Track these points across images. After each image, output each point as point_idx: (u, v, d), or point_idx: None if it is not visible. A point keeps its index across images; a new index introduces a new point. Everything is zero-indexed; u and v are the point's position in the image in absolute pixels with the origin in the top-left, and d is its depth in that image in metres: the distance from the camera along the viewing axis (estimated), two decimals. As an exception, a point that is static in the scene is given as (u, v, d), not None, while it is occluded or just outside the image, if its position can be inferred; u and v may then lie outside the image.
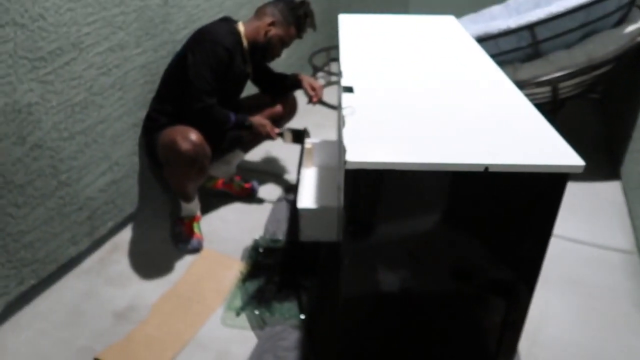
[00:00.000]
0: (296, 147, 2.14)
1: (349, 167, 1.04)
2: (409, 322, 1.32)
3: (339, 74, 1.66)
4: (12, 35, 1.44)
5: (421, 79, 1.48)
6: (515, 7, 2.86)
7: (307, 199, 1.94)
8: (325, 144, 2.21)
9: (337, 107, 3.08)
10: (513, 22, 2.30)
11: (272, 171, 2.53)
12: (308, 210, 1.83)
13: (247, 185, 2.31)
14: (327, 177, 2.13)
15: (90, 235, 1.91)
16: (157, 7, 1.98)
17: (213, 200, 2.27)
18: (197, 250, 1.99)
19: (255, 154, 2.55)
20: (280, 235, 2.06)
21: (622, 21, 2.36)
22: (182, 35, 2.14)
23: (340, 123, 1.29)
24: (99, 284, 1.83)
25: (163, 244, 2.04)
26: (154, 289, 1.80)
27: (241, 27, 2.01)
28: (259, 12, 2.06)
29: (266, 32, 2.01)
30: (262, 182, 2.42)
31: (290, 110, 2.33)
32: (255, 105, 2.22)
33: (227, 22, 2.01)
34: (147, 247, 2.02)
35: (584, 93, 2.45)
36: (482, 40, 2.31)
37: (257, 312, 1.69)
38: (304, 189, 2.01)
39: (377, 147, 1.09)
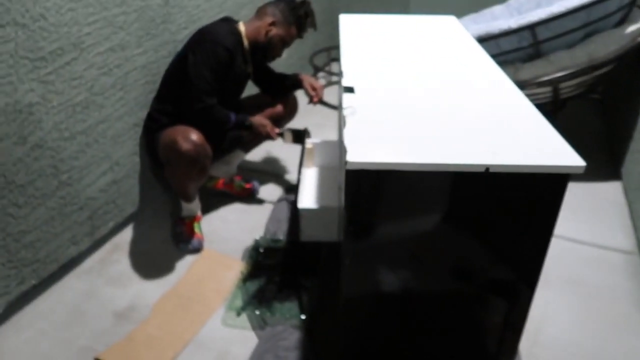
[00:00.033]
0: (297, 147, 2.13)
1: (349, 167, 1.04)
2: (410, 322, 1.32)
3: (339, 74, 1.66)
4: (13, 35, 1.44)
5: (422, 79, 1.48)
6: (517, 7, 2.86)
7: (307, 199, 1.94)
8: (326, 144, 2.21)
9: (337, 107, 3.08)
10: (514, 22, 2.30)
11: (272, 171, 2.54)
12: (309, 211, 1.83)
13: (247, 186, 2.31)
14: (328, 177, 2.13)
15: (91, 235, 1.91)
16: (158, 7, 1.98)
17: (214, 200, 2.27)
18: (197, 250, 1.99)
19: (255, 154, 2.55)
20: (281, 235, 2.06)
21: (623, 21, 2.35)
22: (183, 36, 2.14)
23: (341, 123, 1.29)
24: (99, 283, 1.83)
25: (164, 244, 2.04)
26: (154, 289, 1.80)
27: (242, 27, 2.01)
28: (260, 12, 2.06)
29: (267, 32, 2.01)
30: (263, 182, 2.42)
31: (291, 110, 2.33)
32: (256, 105, 2.22)
33: (228, 22, 2.01)
34: (147, 247, 2.02)
35: (585, 93, 2.45)
36: (483, 40, 2.31)
37: (257, 312, 1.69)
38: (305, 189, 2.01)
39: (378, 148, 1.09)
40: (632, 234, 2.09)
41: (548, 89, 2.33)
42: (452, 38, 1.89)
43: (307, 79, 2.22)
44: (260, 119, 2.03)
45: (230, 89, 2.05)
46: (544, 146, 1.09)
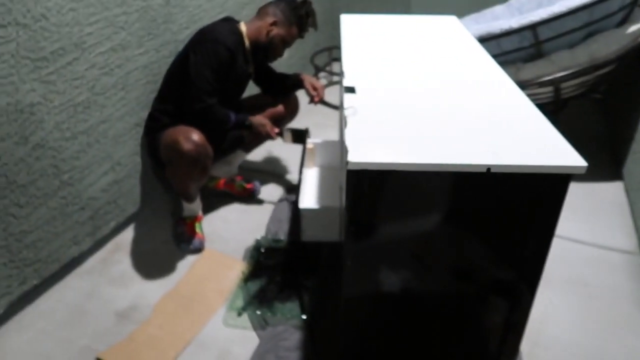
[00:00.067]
0: (298, 148, 2.14)
1: (351, 167, 1.04)
2: (411, 323, 1.32)
3: (340, 74, 1.66)
4: (15, 35, 1.44)
5: (423, 79, 1.48)
6: (518, 7, 2.86)
7: (308, 199, 1.94)
8: (327, 144, 2.21)
9: (338, 107, 3.08)
10: (515, 21, 2.30)
11: (273, 171, 2.54)
12: (310, 211, 1.83)
13: (248, 186, 2.31)
14: (329, 177, 2.13)
15: (92, 235, 1.91)
16: (159, 7, 1.98)
17: (215, 200, 2.27)
18: (199, 250, 1.99)
19: (256, 154, 2.55)
20: (282, 236, 2.06)
21: (624, 21, 2.35)
22: (185, 35, 2.14)
23: (342, 123, 1.29)
24: (101, 283, 1.83)
25: (165, 244, 2.04)
26: (156, 289, 1.81)
27: (243, 27, 2.01)
28: (261, 12, 2.06)
29: (268, 32, 2.01)
30: (264, 182, 2.42)
31: (292, 110, 2.33)
32: (257, 105, 2.22)
33: (229, 22, 2.01)
34: (149, 247, 2.02)
35: (586, 93, 2.45)
36: (484, 40, 2.31)
37: (258, 312, 1.69)
38: (306, 189, 2.01)
39: (379, 148, 1.09)
40: (633, 234, 2.09)
41: (549, 89, 2.33)
42: (453, 38, 1.89)
43: (308, 78, 2.22)
44: (260, 119, 2.03)
45: (231, 88, 2.05)
46: (545, 146, 1.09)
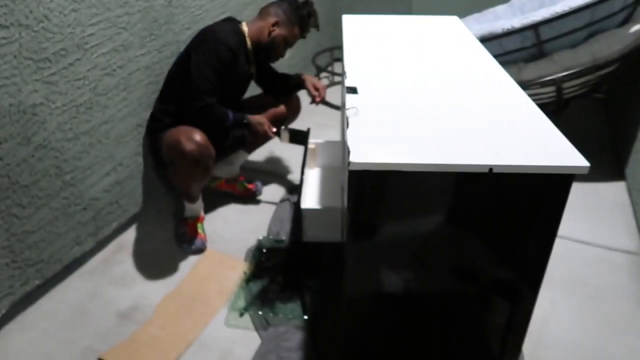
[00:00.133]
0: (300, 148, 2.14)
1: (353, 168, 1.04)
2: (413, 323, 1.32)
3: (342, 74, 1.66)
4: (17, 36, 1.44)
5: (425, 80, 1.48)
6: (520, 7, 2.86)
7: (310, 199, 1.94)
8: (328, 144, 2.21)
9: (340, 108, 3.08)
10: (517, 21, 2.30)
11: (275, 172, 2.54)
12: (312, 211, 1.83)
13: (250, 186, 2.32)
14: (331, 178, 2.13)
15: (94, 235, 1.91)
16: (161, 8, 1.98)
17: (216, 200, 2.28)
18: (200, 250, 1.99)
19: (258, 155, 2.55)
20: (284, 236, 2.06)
21: (627, 20, 2.35)
22: (186, 36, 2.14)
23: (344, 124, 1.29)
24: (103, 284, 1.83)
25: (167, 244, 2.04)
26: (157, 290, 1.81)
27: (245, 28, 2.01)
28: (263, 12, 2.06)
29: (270, 32, 2.01)
30: (266, 182, 2.42)
31: (294, 110, 2.33)
32: (259, 105, 2.22)
33: (231, 23, 2.01)
34: (151, 248, 2.02)
35: (588, 93, 2.44)
36: (486, 40, 2.31)
37: (260, 313, 1.69)
38: (308, 189, 2.01)
39: (381, 148, 1.09)
40: (635, 235, 2.09)
41: (551, 88, 2.32)
42: (455, 38, 1.89)
43: (309, 79, 2.22)
44: (258, 118, 2.03)
45: (233, 89, 2.05)
46: (547, 147, 1.09)
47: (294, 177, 2.48)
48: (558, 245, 1.12)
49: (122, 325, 1.66)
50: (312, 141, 2.16)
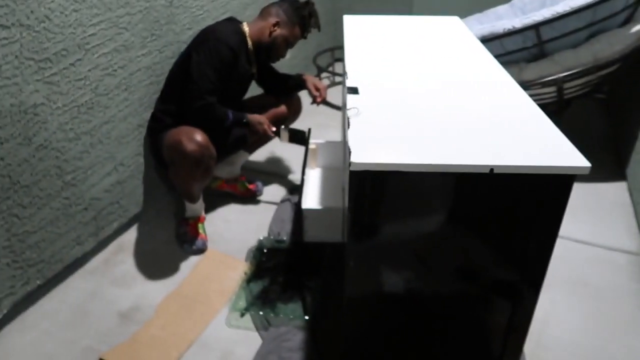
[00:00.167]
0: (301, 148, 2.14)
1: (354, 168, 1.04)
2: (414, 323, 1.32)
3: (343, 74, 1.66)
4: (18, 37, 1.44)
5: (426, 80, 1.48)
6: (521, 7, 2.85)
7: (311, 199, 1.94)
8: (329, 144, 2.21)
9: (341, 108, 3.08)
10: (518, 22, 2.29)
11: (276, 172, 2.54)
12: (312, 211, 1.83)
13: (251, 186, 2.32)
14: (332, 178, 2.13)
15: (95, 235, 1.91)
16: (162, 8, 1.98)
17: (217, 200, 2.28)
18: (201, 250, 1.99)
19: (259, 155, 2.56)
20: (285, 236, 2.06)
21: (628, 20, 2.34)
22: (187, 36, 2.14)
23: (345, 124, 1.29)
24: (104, 284, 1.83)
25: (168, 244, 2.04)
26: (158, 290, 1.81)
27: (246, 28, 2.01)
28: (264, 13, 2.06)
29: (271, 33, 2.01)
30: (267, 182, 2.42)
31: (295, 110, 2.33)
32: (260, 105, 2.22)
33: (232, 23, 2.01)
34: (151, 248, 2.02)
35: (589, 93, 2.44)
36: (487, 40, 2.30)
37: (261, 313, 1.69)
38: (309, 189, 2.01)
39: (382, 148, 1.09)
40: (636, 235, 2.08)
41: (552, 89, 2.32)
42: (456, 38, 1.89)
43: (310, 79, 2.22)
44: (257, 117, 2.03)
45: (234, 88, 2.05)
46: (548, 147, 1.09)
47: (295, 177, 2.48)
48: (559, 246, 1.12)
49: (122, 325, 1.66)
50: (313, 141, 2.16)
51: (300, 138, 2.12)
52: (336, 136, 2.74)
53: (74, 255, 1.84)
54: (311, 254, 1.93)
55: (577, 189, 1.06)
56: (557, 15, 2.19)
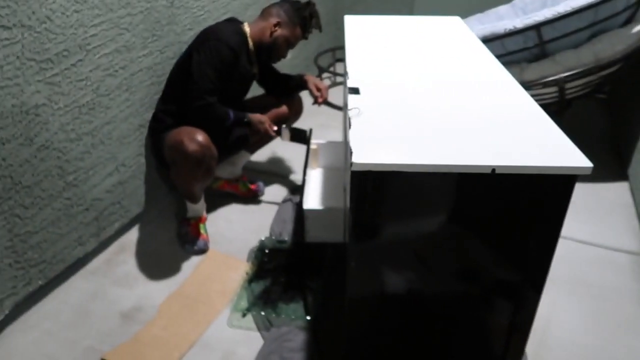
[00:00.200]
0: (302, 148, 2.14)
1: (355, 168, 1.04)
2: (415, 324, 1.32)
3: (344, 74, 1.66)
4: (20, 37, 1.44)
5: (427, 80, 1.48)
6: (522, 7, 2.85)
7: (313, 200, 1.95)
8: (331, 145, 2.21)
9: (342, 108, 3.08)
10: (519, 22, 2.29)
11: (277, 172, 2.54)
12: (314, 211, 1.83)
13: (252, 186, 2.32)
14: (333, 178, 2.13)
15: (97, 236, 1.92)
16: (163, 9, 1.98)
17: (219, 201, 2.28)
18: (203, 251, 1.99)
19: (260, 155, 2.56)
20: (286, 236, 2.06)
21: (629, 21, 2.34)
22: (188, 37, 2.14)
23: (346, 124, 1.29)
24: (105, 284, 1.84)
25: (169, 244, 2.04)
26: (160, 290, 1.81)
27: (247, 28, 2.01)
28: (265, 13, 2.06)
29: (272, 33, 2.02)
30: (268, 183, 2.42)
31: (296, 111, 2.33)
32: (261, 106, 2.22)
33: (233, 23, 2.02)
34: (153, 248, 2.03)
35: (591, 93, 2.44)
36: (489, 40, 2.30)
37: (263, 313, 1.69)
38: (310, 190, 2.01)
39: (384, 149, 1.09)
40: (638, 235, 2.08)
41: (554, 89, 2.32)
42: (457, 39, 1.89)
43: (311, 79, 2.22)
44: (258, 116, 2.03)
45: (235, 89, 2.05)
46: (550, 147, 1.09)
47: (296, 177, 2.48)
48: (560, 246, 1.12)
49: (124, 325, 1.66)
50: (315, 141, 2.16)
51: (301, 137, 2.12)
52: (337, 136, 2.74)
53: (76, 255, 1.84)
54: (313, 254, 1.93)
55: (579, 189, 1.06)
56: (559, 15, 2.19)
